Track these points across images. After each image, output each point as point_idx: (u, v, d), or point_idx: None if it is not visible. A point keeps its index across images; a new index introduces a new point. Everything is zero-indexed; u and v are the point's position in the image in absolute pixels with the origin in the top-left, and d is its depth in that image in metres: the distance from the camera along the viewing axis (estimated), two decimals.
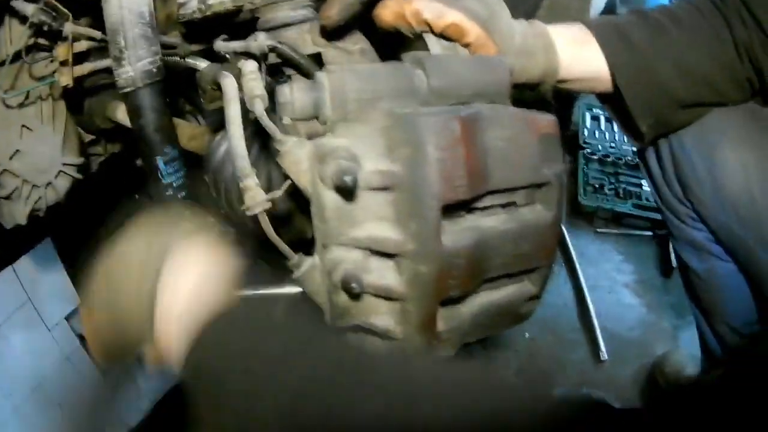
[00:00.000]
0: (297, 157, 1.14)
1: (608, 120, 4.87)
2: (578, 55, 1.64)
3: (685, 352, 3.40)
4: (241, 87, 1.31)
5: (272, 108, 1.25)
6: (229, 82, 1.35)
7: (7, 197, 1.90)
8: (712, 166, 1.89)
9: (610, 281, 4.09)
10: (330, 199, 1.11)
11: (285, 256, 1.25)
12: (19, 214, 1.93)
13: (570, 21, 1.74)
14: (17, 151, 1.85)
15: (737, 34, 1.62)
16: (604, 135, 4.77)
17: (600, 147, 4.69)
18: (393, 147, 1.10)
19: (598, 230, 4.45)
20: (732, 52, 1.64)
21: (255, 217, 1.20)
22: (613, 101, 1.77)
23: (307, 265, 1.22)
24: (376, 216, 1.13)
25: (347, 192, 1.10)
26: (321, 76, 1.16)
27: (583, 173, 4.53)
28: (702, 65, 1.65)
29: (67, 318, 3.33)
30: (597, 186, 4.48)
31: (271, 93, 1.27)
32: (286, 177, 1.18)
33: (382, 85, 1.16)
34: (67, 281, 3.23)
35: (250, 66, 1.31)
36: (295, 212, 1.57)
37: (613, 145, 4.69)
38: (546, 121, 1.25)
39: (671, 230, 2.23)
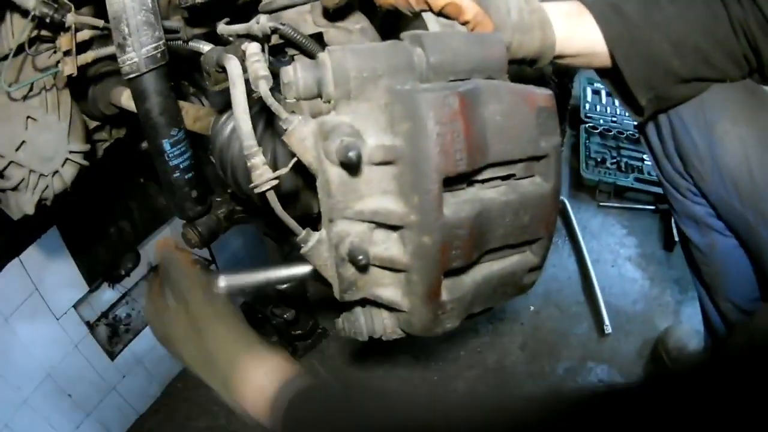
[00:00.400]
0: (302, 134, 1.18)
1: (609, 94, 4.92)
2: (574, 29, 1.68)
3: (687, 327, 3.49)
4: (245, 68, 1.34)
5: (275, 88, 1.28)
6: (233, 64, 1.38)
7: (14, 188, 1.93)
8: (712, 143, 1.93)
9: (614, 255, 4.15)
10: (335, 174, 1.15)
11: (292, 231, 1.29)
12: (26, 204, 1.95)
13: None
14: (23, 142, 1.87)
15: (733, 11, 1.65)
16: (605, 109, 4.82)
17: (601, 121, 4.75)
18: (394, 122, 1.14)
19: (601, 204, 4.50)
20: (727, 28, 1.67)
21: (262, 195, 1.25)
22: (611, 76, 1.82)
23: (314, 239, 1.25)
24: (380, 189, 1.17)
25: (352, 167, 1.14)
26: (323, 55, 1.19)
27: (584, 147, 4.58)
28: (696, 40, 1.69)
29: (75, 306, 3.35)
30: (599, 160, 4.53)
31: (274, 73, 1.31)
32: (292, 154, 1.22)
33: (382, 62, 1.19)
34: (75, 270, 3.25)
35: (253, 48, 1.35)
36: (300, 189, 1.61)
37: (614, 119, 4.74)
38: (542, 95, 1.28)
39: (672, 204, 2.28)
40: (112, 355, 3.60)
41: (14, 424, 3.14)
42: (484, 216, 1.20)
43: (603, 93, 5.01)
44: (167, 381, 4.01)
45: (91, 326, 3.58)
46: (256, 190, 1.24)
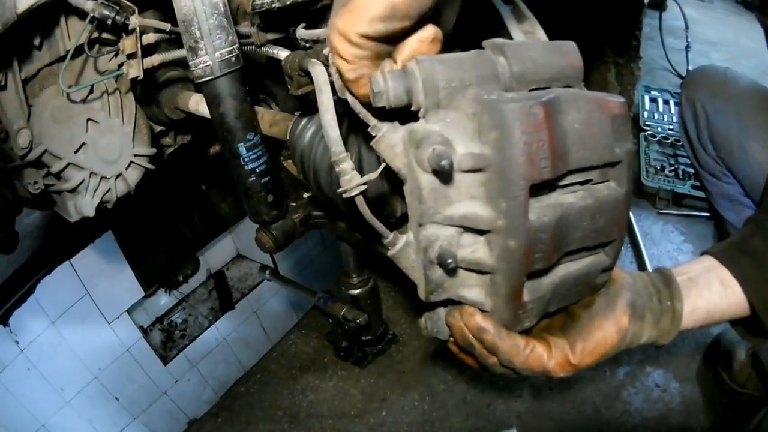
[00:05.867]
0: (391, 141, 1.26)
1: (665, 101, 5.04)
2: (718, 303, 1.71)
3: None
4: (329, 74, 1.40)
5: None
6: (319, 70, 1.43)
7: (73, 190, 1.98)
8: (740, 128, 2.44)
9: (672, 261, 4.25)
10: (426, 180, 1.22)
11: (376, 234, 1.35)
12: (86, 206, 2.00)
13: None
14: (83, 144, 1.92)
15: None
16: (662, 117, 4.95)
17: (659, 128, 4.88)
18: (482, 131, 1.21)
19: (660, 211, 4.63)
20: None
21: (349, 199, 1.31)
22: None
23: (401, 242, 1.33)
24: (469, 195, 1.24)
25: (443, 174, 1.21)
26: (412, 65, 1.24)
27: (645, 155, 4.72)
28: None
29: (129, 311, 3.45)
30: (658, 167, 4.63)
31: None
32: (380, 160, 1.28)
33: (469, 72, 1.24)
34: (130, 275, 3.34)
35: None
36: (385, 193, 1.65)
37: (671, 127, 4.84)
38: (617, 102, 1.34)
39: (709, 188, 2.80)
40: (165, 360, 3.70)
41: (53, 425, 3.25)
42: (564, 220, 1.26)
43: (660, 100, 5.11)
44: (224, 386, 4.13)
45: (145, 331, 3.68)
46: (345, 195, 1.30)
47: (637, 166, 4.81)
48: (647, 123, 5.10)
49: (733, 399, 3.66)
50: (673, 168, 4.76)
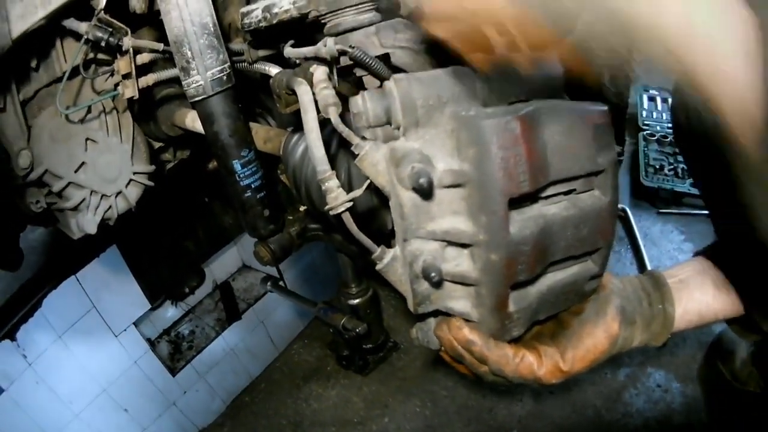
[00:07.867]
0: (374, 159, 1.27)
1: (664, 100, 5.03)
2: (711, 304, 1.73)
3: None
4: (315, 92, 1.42)
5: (345, 110, 1.37)
6: (303, 90, 1.44)
7: (74, 208, 2.00)
8: None
9: (673, 261, 4.22)
10: (407, 198, 1.25)
11: (367, 249, 1.38)
12: (88, 224, 2.02)
13: None
14: (83, 163, 1.94)
15: None
16: (661, 116, 4.93)
17: (658, 127, 4.87)
18: (461, 148, 1.23)
19: (660, 210, 4.61)
20: None
21: (338, 215, 1.33)
22: None
23: (389, 257, 1.35)
24: (450, 210, 1.26)
25: (423, 192, 1.23)
26: (390, 85, 1.27)
27: (643, 154, 4.70)
28: None
29: (136, 323, 3.46)
30: (657, 167, 4.61)
31: (344, 96, 1.40)
32: (365, 177, 1.30)
33: (447, 89, 1.27)
34: (136, 288, 3.36)
35: (320, 74, 1.44)
36: (374, 207, 1.66)
37: (669, 125, 4.80)
38: (599, 112, 1.34)
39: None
40: (173, 371, 3.71)
41: None
42: (547, 231, 1.27)
43: (658, 99, 5.10)
44: (232, 396, 4.15)
45: (152, 343, 3.70)
46: (332, 212, 1.32)
47: (637, 166, 4.79)
48: (646, 122, 5.08)
49: (736, 397, 3.67)
50: (672, 167, 4.74)
